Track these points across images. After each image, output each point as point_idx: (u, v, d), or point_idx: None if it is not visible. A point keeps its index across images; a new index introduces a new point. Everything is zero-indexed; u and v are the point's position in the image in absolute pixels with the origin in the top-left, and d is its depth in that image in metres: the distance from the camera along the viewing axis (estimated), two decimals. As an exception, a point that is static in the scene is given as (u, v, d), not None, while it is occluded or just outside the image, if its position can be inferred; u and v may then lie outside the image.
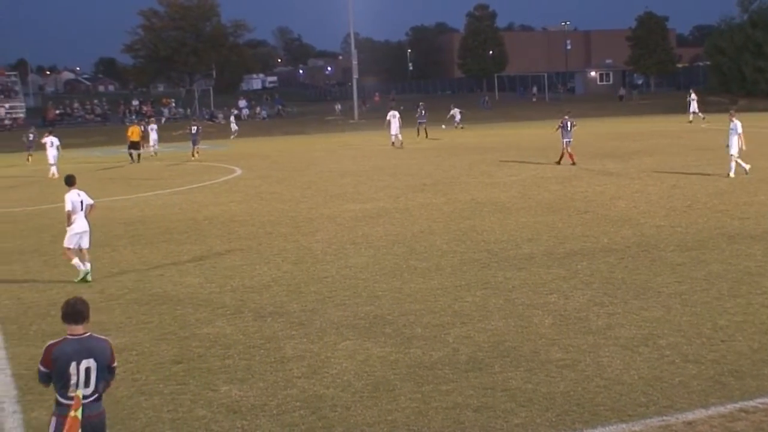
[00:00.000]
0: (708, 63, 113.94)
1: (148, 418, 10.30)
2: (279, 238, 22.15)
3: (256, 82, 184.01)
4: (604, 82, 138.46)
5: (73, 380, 7.51)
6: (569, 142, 37.67)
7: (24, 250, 21.96)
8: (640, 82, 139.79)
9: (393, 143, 52.62)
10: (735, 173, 30.28)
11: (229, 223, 24.87)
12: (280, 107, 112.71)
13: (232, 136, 68.53)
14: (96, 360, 7.60)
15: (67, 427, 7.32)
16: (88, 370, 7.56)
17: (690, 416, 9.74)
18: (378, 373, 11.51)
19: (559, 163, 37.23)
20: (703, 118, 63.36)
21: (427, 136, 58.59)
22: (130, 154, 49.60)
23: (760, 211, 23.22)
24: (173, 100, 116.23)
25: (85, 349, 7.59)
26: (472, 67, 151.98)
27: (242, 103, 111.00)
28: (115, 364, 7.91)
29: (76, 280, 17.85)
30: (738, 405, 10.01)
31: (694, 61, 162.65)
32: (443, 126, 67.15)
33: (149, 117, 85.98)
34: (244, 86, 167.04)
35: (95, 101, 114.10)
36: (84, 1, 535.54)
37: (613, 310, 14.08)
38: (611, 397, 10.33)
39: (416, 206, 26.56)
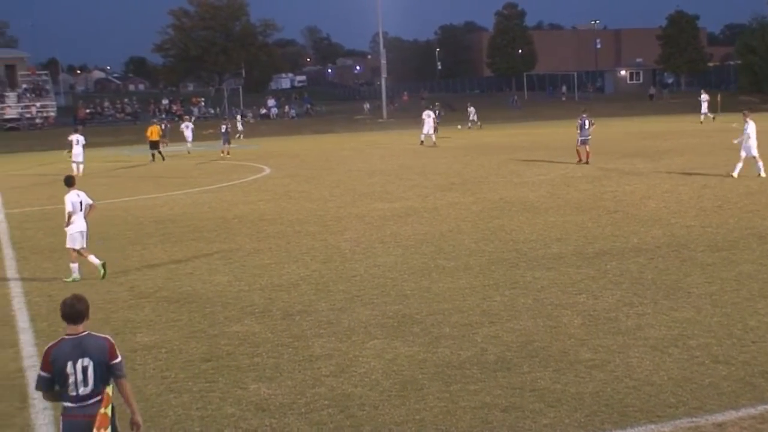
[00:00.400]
0: (739, 62, 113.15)
1: (177, 416, 10.35)
2: (307, 236, 22.20)
3: (285, 81, 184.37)
4: (634, 81, 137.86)
5: (71, 380, 7.47)
6: (585, 140, 37.68)
7: (55, 247, 22.08)
8: (670, 81, 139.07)
9: (422, 142, 52.89)
10: (765, 172, 30.15)
11: (258, 221, 24.94)
12: (308, 106, 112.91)
13: (238, 136, 67.31)
14: (92, 358, 7.52)
15: (97, 423, 7.33)
16: (85, 369, 7.49)
17: (720, 418, 9.68)
18: (406, 372, 11.50)
19: (582, 161, 37.35)
20: (713, 119, 63.02)
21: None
22: (152, 154, 49.85)
23: (792, 212, 23.02)
24: (203, 99, 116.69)
25: (81, 347, 7.53)
26: (501, 66, 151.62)
27: (271, 102, 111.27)
28: (116, 361, 7.68)
29: (68, 280, 17.98)
30: (769, 406, 9.95)
31: (725, 60, 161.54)
32: (458, 126, 66.98)
33: (181, 115, 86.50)
34: (273, 85, 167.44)
35: (125, 100, 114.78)
36: (114, 1, 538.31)
37: (643, 311, 14.01)
38: (641, 398, 10.27)
39: (445, 205, 26.53)
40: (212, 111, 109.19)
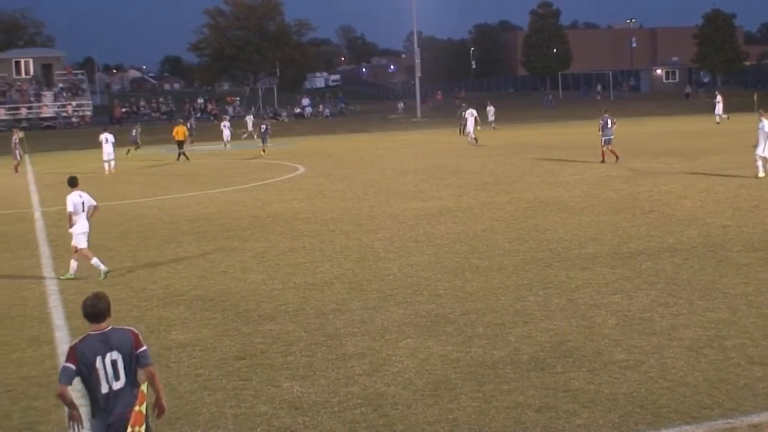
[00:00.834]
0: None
1: (211, 414, 10.40)
2: (341, 235, 22.23)
3: (319, 80, 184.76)
4: (670, 80, 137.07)
5: (102, 374, 7.50)
6: (609, 140, 37.70)
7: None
8: (706, 80, 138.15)
9: (476, 140, 53.20)
10: (764, 173, 29.93)
11: (292, 220, 25.01)
12: (343, 105, 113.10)
13: (243, 136, 64.84)
14: (120, 351, 7.56)
15: (132, 419, 7.38)
16: (114, 362, 7.53)
17: (755, 419, 9.60)
18: (439, 371, 11.50)
19: (605, 161, 37.21)
20: (727, 118, 62.52)
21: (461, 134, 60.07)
22: (179, 154, 50.15)
23: (830, 212, 22.80)
24: (238, 98, 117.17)
25: (108, 342, 7.56)
26: (536, 65, 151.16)
27: (305, 101, 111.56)
28: (142, 349, 7.69)
29: (100, 278, 18.13)
30: (805, 408, 9.86)
31: (762, 59, 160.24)
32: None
33: (216, 114, 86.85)
34: (307, 85, 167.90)
35: (161, 99, 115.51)
36: (150, 1, 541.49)
37: (678, 311, 13.92)
38: (675, 399, 10.21)
39: (478, 205, 26.48)
40: (246, 110, 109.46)
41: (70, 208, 18.42)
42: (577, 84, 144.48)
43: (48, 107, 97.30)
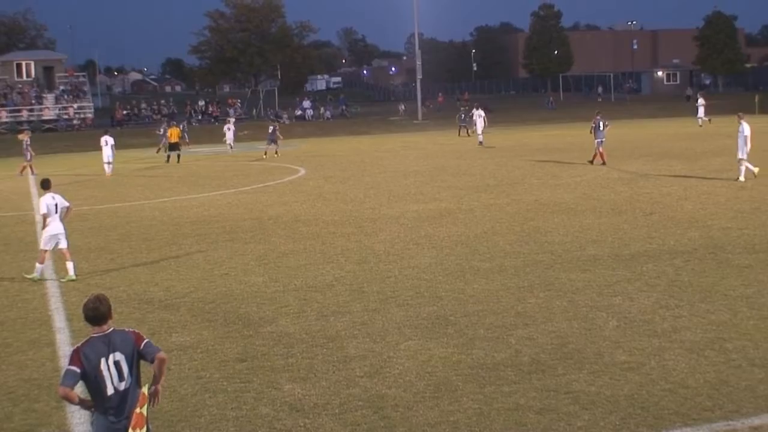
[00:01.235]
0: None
1: (212, 416, 10.40)
2: (342, 238, 22.24)
3: (320, 82, 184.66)
4: (671, 82, 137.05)
5: (107, 376, 7.52)
6: (601, 141, 38.02)
7: (91, 248, 22.29)
8: (707, 82, 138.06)
9: (481, 142, 53.17)
10: (744, 177, 30.02)
11: (293, 222, 25.02)
12: (344, 107, 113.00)
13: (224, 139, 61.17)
14: (122, 352, 7.60)
15: (133, 422, 7.39)
16: (117, 363, 7.57)
17: (756, 421, 9.61)
18: (440, 373, 11.50)
19: (591, 162, 37.73)
20: (708, 121, 62.49)
21: (468, 135, 60.82)
22: (168, 156, 50.11)
23: (831, 214, 22.79)
24: (239, 100, 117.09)
25: (110, 344, 7.60)
26: (537, 67, 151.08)
27: (306, 103, 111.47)
28: (144, 342, 7.72)
29: (28, 276, 18.47)
30: (806, 410, 9.85)
31: (764, 61, 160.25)
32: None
33: (215, 116, 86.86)
34: (308, 87, 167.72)
35: (162, 101, 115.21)
36: (151, 3, 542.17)
37: (679, 313, 13.92)
38: (676, 401, 10.22)
39: (479, 207, 26.49)
40: (248, 112, 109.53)
41: (43, 209, 18.56)
42: (578, 86, 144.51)
43: (49, 110, 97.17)
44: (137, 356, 7.69)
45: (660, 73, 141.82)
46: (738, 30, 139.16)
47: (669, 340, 12.53)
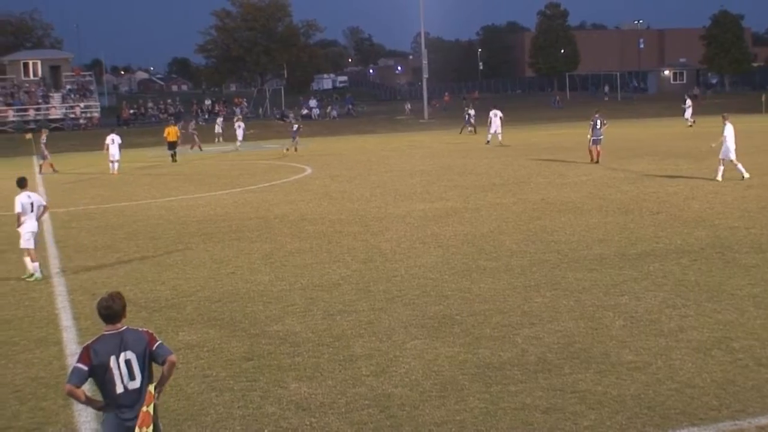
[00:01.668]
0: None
1: (218, 414, 10.41)
2: (348, 236, 22.24)
3: (326, 81, 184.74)
4: (678, 82, 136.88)
5: (116, 374, 7.50)
6: (597, 140, 38.50)
7: (98, 246, 22.31)
8: (714, 81, 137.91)
9: (488, 141, 53.05)
10: (747, 173, 30.14)
11: (300, 221, 25.03)
12: (350, 107, 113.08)
13: (216, 140, 63.05)
14: (134, 351, 7.57)
15: (139, 421, 7.39)
16: (128, 362, 7.54)
17: (763, 421, 9.59)
18: (446, 372, 11.50)
19: (593, 161, 38.17)
20: (693, 122, 62.34)
21: (475, 132, 62.16)
22: (171, 155, 50.22)
23: (838, 213, 22.75)
24: (245, 99, 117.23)
25: (123, 342, 7.57)
26: (543, 66, 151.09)
27: (313, 102, 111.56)
28: (157, 344, 7.69)
29: (25, 278, 18.52)
30: (813, 410, 9.84)
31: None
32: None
33: (220, 114, 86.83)
34: (314, 86, 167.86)
35: (168, 101, 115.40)
36: (158, 3, 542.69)
37: (686, 313, 13.90)
38: (683, 401, 10.20)
39: (486, 206, 26.47)
40: (254, 111, 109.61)
41: (18, 208, 18.64)
42: (584, 85, 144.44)
43: (56, 109, 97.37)
44: (149, 356, 7.67)
45: (667, 73, 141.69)
46: (745, 29, 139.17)
47: (676, 339, 12.51)
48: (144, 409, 7.43)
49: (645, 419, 9.72)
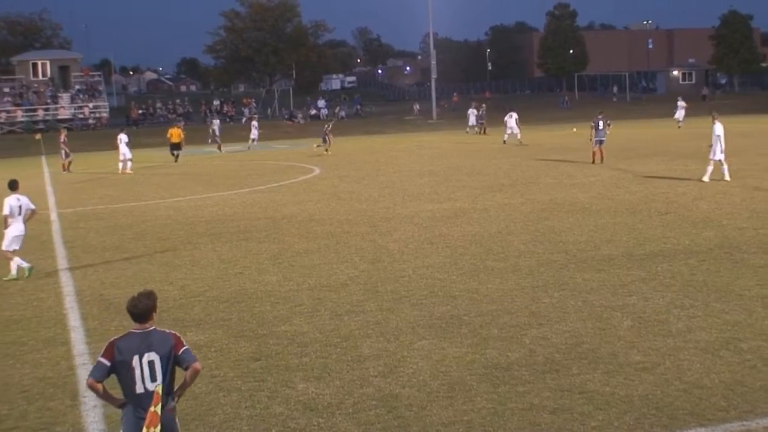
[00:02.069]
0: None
1: (226, 414, 10.42)
2: (356, 237, 22.24)
3: (335, 82, 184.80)
4: (687, 82, 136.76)
5: (137, 374, 7.50)
6: (601, 141, 38.50)
7: (106, 247, 22.35)
8: (723, 81, 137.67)
9: (505, 141, 53.48)
10: (729, 176, 30.17)
11: (308, 222, 25.03)
12: (358, 107, 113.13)
13: (250, 144, 61.94)
14: (158, 353, 7.54)
15: (147, 420, 7.39)
16: (151, 363, 7.51)
17: (772, 422, 9.58)
18: (454, 373, 11.49)
19: (596, 162, 38.15)
20: (679, 126, 62.06)
21: (485, 133, 63.11)
22: (176, 155, 50.22)
23: None
24: (254, 100, 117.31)
25: (147, 342, 7.56)
26: (552, 66, 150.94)
27: (321, 103, 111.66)
28: (184, 348, 7.65)
29: (6, 278, 18.61)
30: (822, 411, 9.81)
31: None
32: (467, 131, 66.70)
33: (230, 116, 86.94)
34: (323, 86, 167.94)
35: (177, 101, 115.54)
36: (167, 3, 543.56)
37: (694, 313, 13.88)
38: (691, 401, 10.18)
39: (494, 206, 26.45)
40: (263, 111, 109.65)
41: (6, 210, 18.76)
42: (593, 85, 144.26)
43: (65, 109, 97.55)
44: (174, 360, 7.64)
45: (675, 73, 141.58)
46: (754, 29, 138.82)
47: (684, 340, 12.49)
48: (152, 409, 7.42)
49: (653, 420, 9.71)
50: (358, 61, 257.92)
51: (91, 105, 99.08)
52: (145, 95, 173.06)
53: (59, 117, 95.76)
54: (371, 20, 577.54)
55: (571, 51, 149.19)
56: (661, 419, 9.72)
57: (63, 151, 46.46)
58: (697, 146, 44.76)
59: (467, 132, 65.68)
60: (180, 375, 7.77)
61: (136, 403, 7.55)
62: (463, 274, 17.34)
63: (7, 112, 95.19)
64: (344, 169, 41.32)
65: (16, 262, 18.83)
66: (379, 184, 33.90)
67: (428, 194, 30.17)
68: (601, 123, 38.61)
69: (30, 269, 18.81)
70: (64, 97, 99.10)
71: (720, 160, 30.27)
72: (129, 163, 44.07)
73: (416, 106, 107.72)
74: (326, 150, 50.84)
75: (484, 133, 63.21)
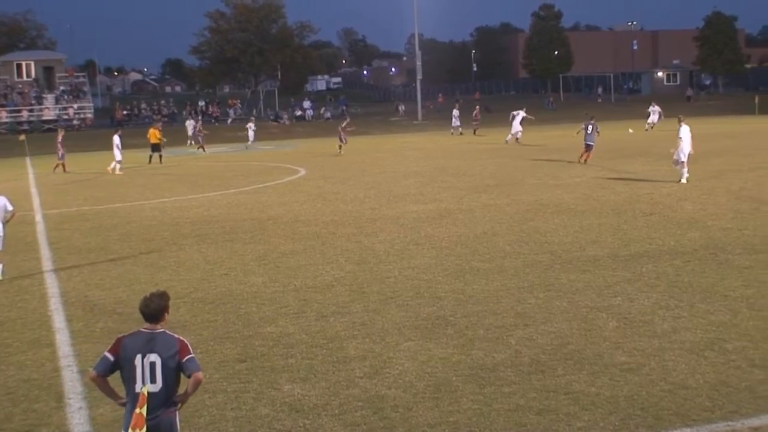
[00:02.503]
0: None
1: (211, 416, 10.40)
2: (342, 238, 22.23)
3: (320, 83, 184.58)
4: (671, 83, 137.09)
5: (138, 372, 7.49)
6: (588, 145, 38.93)
7: (92, 248, 22.28)
8: (708, 82, 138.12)
9: (508, 141, 54.12)
10: (687, 180, 30.24)
11: (293, 223, 25.01)
12: (344, 108, 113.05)
13: (189, 143, 63.60)
14: (160, 355, 7.50)
15: (133, 422, 7.37)
16: (152, 365, 7.49)
17: (756, 422, 9.61)
18: (440, 374, 11.50)
19: (581, 161, 38.74)
20: (648, 128, 62.05)
21: (475, 133, 63.32)
22: (151, 156, 49.95)
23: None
24: (239, 101, 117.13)
25: (152, 343, 7.54)
26: (537, 67, 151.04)
27: (306, 103, 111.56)
28: (189, 356, 7.58)
29: None
30: (806, 411, 9.85)
31: (763, 62, 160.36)
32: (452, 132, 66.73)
33: (215, 117, 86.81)
34: (308, 87, 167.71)
35: (162, 102, 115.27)
36: (151, 4, 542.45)
37: (679, 314, 13.92)
38: (676, 402, 10.21)
39: (479, 207, 26.48)
40: (248, 112, 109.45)
41: None
42: (578, 86, 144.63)
43: (49, 110, 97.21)
44: (177, 366, 7.59)
45: (660, 74, 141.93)
46: (738, 30, 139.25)
47: (669, 340, 12.53)
48: (137, 411, 7.39)
49: (638, 420, 9.74)
50: (344, 62, 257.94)
51: (75, 106, 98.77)
52: (129, 96, 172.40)
53: (44, 118, 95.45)
54: (357, 21, 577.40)
55: (556, 52, 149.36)
56: (646, 420, 9.75)
57: (59, 152, 46.20)
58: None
59: (452, 133, 65.65)
60: (185, 381, 7.74)
61: (133, 402, 7.53)
62: (448, 275, 17.35)
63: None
64: (330, 170, 41.28)
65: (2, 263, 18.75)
66: (364, 185, 33.89)
67: (414, 195, 30.18)
68: (590, 127, 38.77)
69: (2, 272, 18.69)
70: (49, 98, 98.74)
71: (682, 162, 30.31)
72: (118, 165, 43.91)
73: (401, 107, 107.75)
74: (339, 148, 50.84)
75: (475, 134, 63.26)
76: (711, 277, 16.30)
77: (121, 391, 7.79)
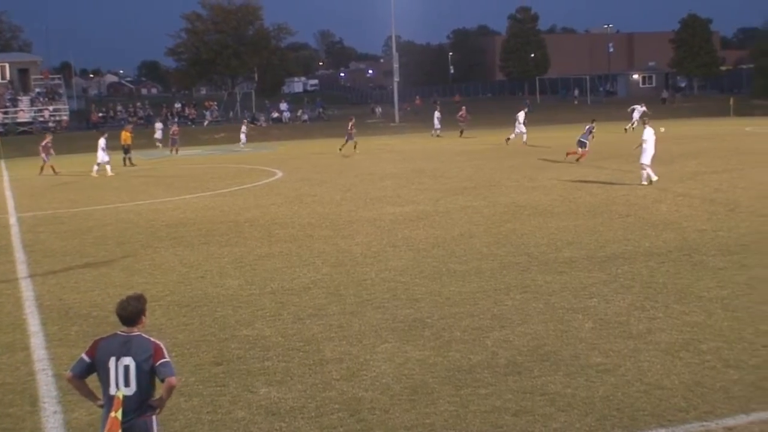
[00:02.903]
0: (752, 66, 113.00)
1: (187, 420, 10.36)
2: (319, 240, 22.20)
3: (297, 85, 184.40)
4: (647, 85, 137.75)
5: (112, 375, 7.46)
6: (581, 143, 40.04)
7: (67, 251, 22.16)
8: (683, 84, 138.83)
9: (508, 139, 55.02)
10: (646, 181, 30.52)
11: (270, 225, 24.96)
12: (321, 110, 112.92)
13: (158, 144, 65.16)
14: (134, 359, 7.46)
15: (108, 426, 7.33)
16: (126, 368, 7.45)
17: (731, 422, 9.66)
18: (417, 376, 11.50)
19: (573, 158, 39.94)
20: (627, 129, 62.25)
21: (461, 135, 63.45)
22: (125, 159, 49.75)
23: (805, 216, 22.94)
24: (215, 102, 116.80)
25: (127, 346, 7.50)
26: (514, 69, 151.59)
27: (283, 106, 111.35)
28: (162, 360, 7.50)
29: None
30: (780, 411, 9.91)
31: (738, 64, 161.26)
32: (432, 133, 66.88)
33: (192, 119, 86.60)
34: (285, 89, 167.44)
35: (138, 104, 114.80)
36: (127, 5, 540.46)
37: (654, 315, 13.98)
38: (651, 402, 10.26)
39: (456, 209, 26.51)
40: (224, 114, 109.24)
41: None
42: (554, 88, 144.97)
43: (24, 112, 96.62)
44: (151, 370, 7.54)
45: (636, 76, 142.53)
46: (713, 33, 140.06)
47: (644, 341, 12.58)
48: (112, 414, 7.36)
49: (614, 421, 9.77)
50: (321, 63, 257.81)
51: (51, 108, 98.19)
52: (105, 98, 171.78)
53: (18, 120, 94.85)
54: (334, 23, 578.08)
55: (532, 54, 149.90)
56: (622, 420, 9.79)
57: (44, 154, 45.98)
58: (658, 149, 45.17)
59: (432, 135, 65.72)
60: (161, 385, 7.69)
61: (109, 405, 7.50)
62: (425, 277, 17.36)
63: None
64: (306, 172, 41.24)
65: None
66: (341, 188, 33.87)
67: (390, 197, 30.19)
68: (588, 129, 40.79)
69: None
70: (24, 101, 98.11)
71: (643, 164, 30.47)
72: (96, 167, 43.73)
73: (378, 109, 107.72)
74: (340, 149, 50.79)
75: (461, 135, 63.33)
76: (686, 278, 16.39)
77: (100, 392, 7.76)
